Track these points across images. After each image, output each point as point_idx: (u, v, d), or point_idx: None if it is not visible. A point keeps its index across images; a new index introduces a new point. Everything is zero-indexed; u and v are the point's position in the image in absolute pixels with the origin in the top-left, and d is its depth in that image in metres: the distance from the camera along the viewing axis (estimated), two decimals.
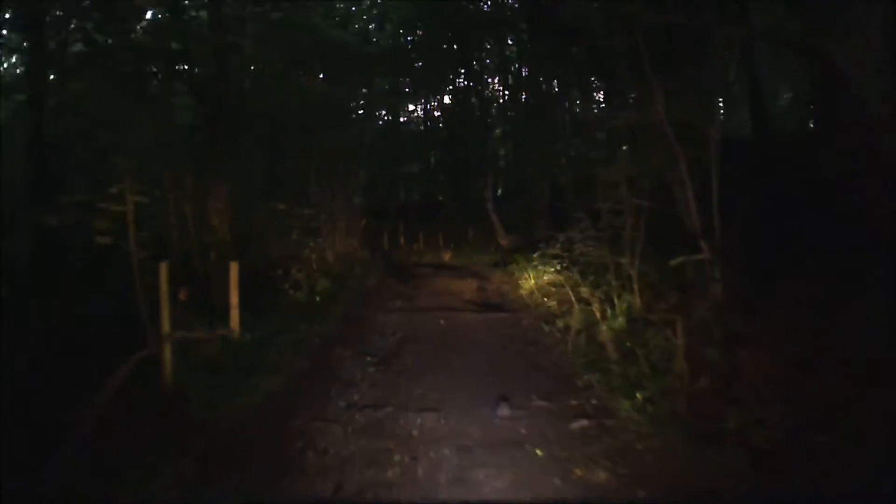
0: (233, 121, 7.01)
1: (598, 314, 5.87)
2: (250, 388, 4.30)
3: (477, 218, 17.45)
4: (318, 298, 7.52)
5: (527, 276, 8.97)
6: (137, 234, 4.49)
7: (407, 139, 25.09)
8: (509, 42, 20.14)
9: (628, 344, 5.05)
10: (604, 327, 5.68)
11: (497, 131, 23.54)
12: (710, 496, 2.86)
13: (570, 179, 8.95)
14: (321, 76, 12.33)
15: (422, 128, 26.74)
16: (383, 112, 23.55)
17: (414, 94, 25.26)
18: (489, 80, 23.07)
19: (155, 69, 7.28)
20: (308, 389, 4.49)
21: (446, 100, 25.46)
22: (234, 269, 5.28)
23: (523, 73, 19.45)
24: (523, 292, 8.55)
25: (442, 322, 6.81)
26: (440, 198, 25.79)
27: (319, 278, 8.47)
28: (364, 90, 16.52)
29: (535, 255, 9.21)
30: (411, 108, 26.60)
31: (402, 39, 20.30)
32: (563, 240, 6.52)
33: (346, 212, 11.67)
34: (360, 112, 15.42)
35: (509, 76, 20.95)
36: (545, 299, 7.67)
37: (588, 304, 6.16)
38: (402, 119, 26.26)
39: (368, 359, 5.27)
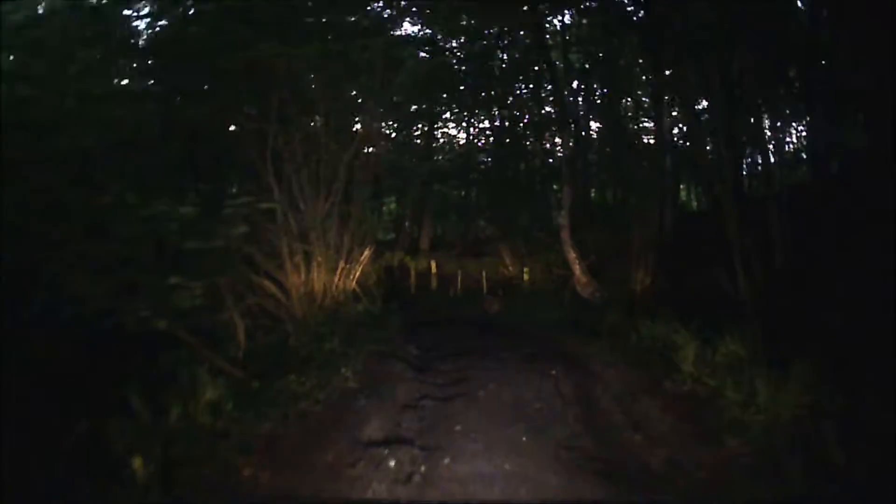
0: None
1: None
2: None
3: (530, 255, 13.23)
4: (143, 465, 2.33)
5: (740, 384, 3.45)
6: None
7: (445, 163, 20.42)
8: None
9: None
10: None
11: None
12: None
13: None
14: None
15: (463, 152, 22.02)
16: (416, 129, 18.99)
17: (457, 114, 20.65)
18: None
19: None
20: None
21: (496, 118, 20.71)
22: None
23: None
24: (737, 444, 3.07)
25: None
26: (481, 233, 21.11)
27: (208, 380, 3.31)
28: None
29: None
30: (452, 132, 21.75)
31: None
32: None
33: (330, 228, 6.65)
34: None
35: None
36: None
37: None
38: (439, 140, 21.48)
39: None
